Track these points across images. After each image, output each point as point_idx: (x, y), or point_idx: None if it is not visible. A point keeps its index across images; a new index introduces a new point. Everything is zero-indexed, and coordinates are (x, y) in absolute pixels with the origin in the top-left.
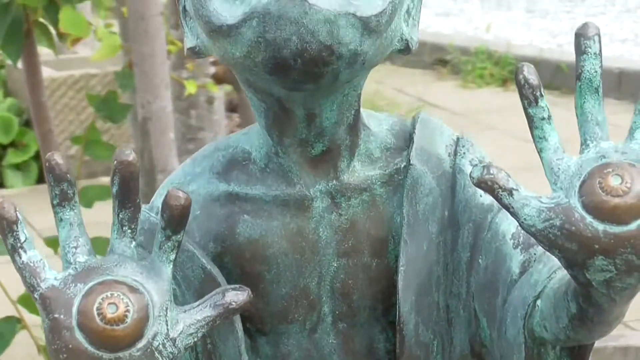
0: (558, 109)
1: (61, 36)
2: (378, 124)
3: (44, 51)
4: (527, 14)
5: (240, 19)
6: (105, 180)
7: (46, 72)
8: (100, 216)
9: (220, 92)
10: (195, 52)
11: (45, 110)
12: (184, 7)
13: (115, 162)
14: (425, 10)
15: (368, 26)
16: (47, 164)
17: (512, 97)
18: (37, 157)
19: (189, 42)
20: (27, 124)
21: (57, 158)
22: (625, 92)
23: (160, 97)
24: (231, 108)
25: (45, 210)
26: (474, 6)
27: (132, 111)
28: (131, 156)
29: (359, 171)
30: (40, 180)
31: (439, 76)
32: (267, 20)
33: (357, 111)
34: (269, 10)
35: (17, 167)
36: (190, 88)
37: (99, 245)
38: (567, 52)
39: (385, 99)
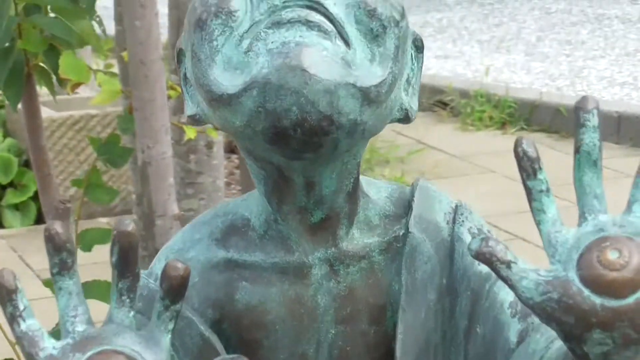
0: (557, 153)
1: (61, 81)
2: (377, 192)
3: (43, 91)
4: (526, 57)
5: (241, 89)
6: (104, 221)
7: (46, 113)
8: (99, 257)
9: (219, 137)
10: (196, 120)
11: (45, 154)
12: (185, 74)
13: (114, 232)
14: (424, 53)
15: (368, 96)
16: (46, 234)
17: (510, 140)
18: (35, 197)
19: (189, 109)
20: (26, 164)
21: (57, 227)
22: (624, 136)
23: (160, 142)
24: (230, 149)
25: (44, 250)
26: (473, 49)
27: (132, 155)
28: (130, 227)
29: (357, 239)
30: (38, 220)
31: (438, 118)
32: (268, 90)
33: (356, 179)
34: (270, 80)
35: (16, 207)
36: (190, 133)
37: (98, 288)
38: (566, 96)
39: (385, 141)
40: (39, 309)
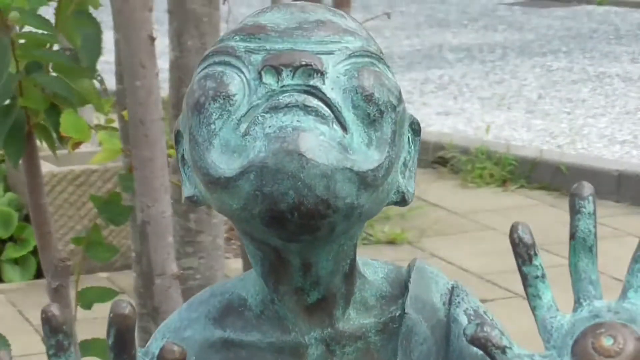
0: (557, 210)
1: (62, 139)
2: (374, 272)
3: (44, 145)
4: (527, 114)
5: (238, 172)
6: (104, 276)
7: (47, 167)
8: (99, 313)
9: None
10: (193, 201)
11: (45, 212)
12: (182, 155)
13: (111, 314)
14: (425, 109)
15: (365, 180)
16: (43, 316)
17: (511, 198)
18: (35, 252)
19: (187, 190)
20: (26, 218)
21: (54, 309)
22: (625, 194)
23: (159, 201)
24: None
25: (43, 305)
26: (474, 106)
27: (131, 213)
28: (127, 309)
29: (354, 319)
30: (38, 275)
31: (438, 175)
32: (265, 174)
33: (353, 260)
34: (267, 164)
35: (16, 261)
36: None
37: (98, 346)
38: (566, 154)
39: None
40: None
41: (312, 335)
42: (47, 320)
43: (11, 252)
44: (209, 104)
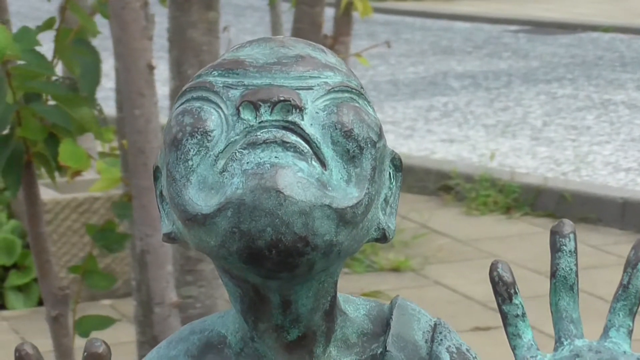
0: None
1: (61, 168)
2: (355, 309)
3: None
4: (531, 141)
5: (215, 209)
6: (107, 303)
7: (49, 195)
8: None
9: None
10: (171, 238)
11: (44, 241)
12: (161, 192)
13: (85, 353)
14: (430, 136)
15: (343, 218)
16: (16, 354)
17: (516, 225)
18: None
19: (165, 227)
20: (29, 246)
21: (27, 349)
22: (629, 222)
23: (158, 230)
24: None
25: (47, 332)
26: (478, 133)
27: (131, 240)
28: (101, 349)
29: (334, 357)
30: (42, 302)
31: (442, 202)
32: (242, 211)
33: (334, 297)
34: (244, 201)
35: (19, 289)
36: None
37: None
38: (571, 181)
39: None
40: None
41: None
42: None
43: (14, 279)
44: (187, 139)
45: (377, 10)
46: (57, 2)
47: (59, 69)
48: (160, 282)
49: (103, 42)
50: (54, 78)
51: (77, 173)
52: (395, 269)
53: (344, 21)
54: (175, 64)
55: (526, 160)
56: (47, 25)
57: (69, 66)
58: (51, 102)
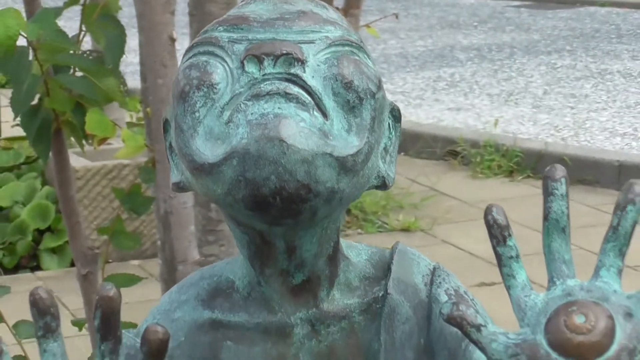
0: None
1: (87, 137)
2: (357, 255)
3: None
4: (533, 109)
5: (222, 158)
6: (136, 263)
7: (81, 162)
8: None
9: None
10: (180, 187)
11: (74, 204)
12: (170, 143)
13: (97, 297)
14: (437, 105)
15: (344, 166)
16: (31, 298)
17: (518, 187)
18: None
19: (174, 177)
20: (60, 209)
21: (41, 293)
22: (625, 183)
23: (181, 193)
24: None
25: (78, 290)
26: (483, 102)
27: (155, 203)
28: (112, 292)
29: (338, 300)
30: (73, 263)
31: (449, 167)
32: (247, 160)
33: (337, 243)
34: (249, 150)
35: (53, 250)
36: None
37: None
38: (570, 146)
39: (400, 188)
40: (73, 346)
41: (298, 315)
42: (35, 303)
43: (48, 242)
44: (193, 92)
45: None
46: None
47: (88, 43)
48: (183, 242)
49: (132, 20)
50: (80, 51)
51: (104, 140)
52: (405, 230)
53: None
54: (195, 36)
55: (528, 126)
56: (73, 1)
57: (96, 39)
58: (78, 74)
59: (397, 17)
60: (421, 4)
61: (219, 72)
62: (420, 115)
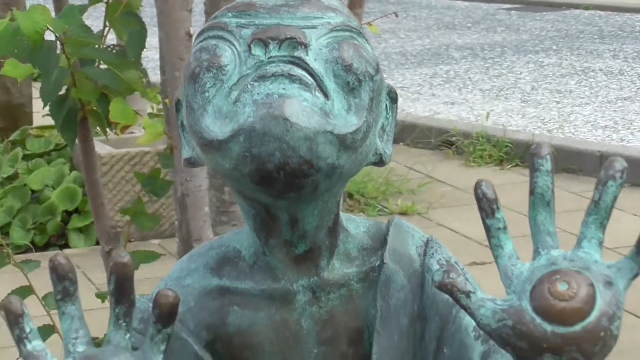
0: None
1: (111, 124)
2: (356, 227)
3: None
4: (521, 103)
5: (229, 135)
6: (156, 242)
7: (106, 150)
8: (146, 274)
9: None
10: (191, 163)
11: (99, 187)
12: (182, 122)
13: (111, 264)
14: (434, 99)
15: (344, 143)
16: (50, 264)
17: (507, 175)
18: None
19: (185, 153)
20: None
21: (60, 259)
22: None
23: (196, 176)
24: None
25: (103, 267)
26: (475, 96)
27: (173, 186)
28: (126, 259)
29: (337, 269)
30: (99, 242)
31: (444, 156)
32: (253, 137)
33: (337, 215)
34: (255, 127)
35: (80, 230)
36: None
37: None
38: (555, 137)
39: (398, 175)
40: (97, 318)
41: (300, 283)
42: (54, 268)
43: (76, 222)
44: (204, 73)
45: None
46: None
47: (112, 39)
48: (198, 222)
49: (153, 20)
50: (104, 46)
51: (126, 128)
52: (403, 213)
53: None
54: None
55: (517, 119)
56: None
57: (119, 34)
58: (103, 67)
59: (396, 15)
60: (419, 6)
61: (227, 55)
62: (417, 108)
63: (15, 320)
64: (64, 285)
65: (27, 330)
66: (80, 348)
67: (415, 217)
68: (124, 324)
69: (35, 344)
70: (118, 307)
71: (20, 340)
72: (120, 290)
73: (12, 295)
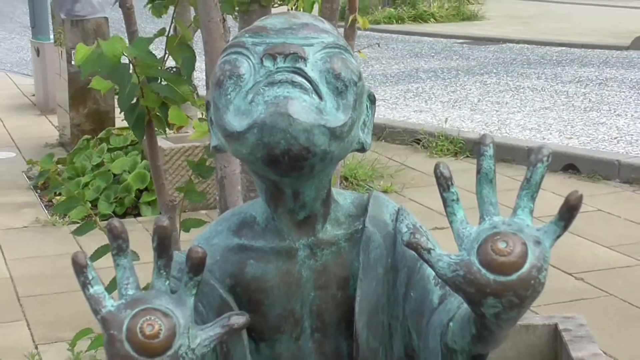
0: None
1: (170, 125)
2: (344, 199)
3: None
4: (471, 112)
5: (246, 128)
6: (204, 212)
7: (167, 144)
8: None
9: None
10: (217, 149)
11: (161, 172)
12: (211, 118)
13: (154, 226)
14: (407, 109)
15: (334, 134)
16: (108, 227)
17: (460, 164)
18: None
19: (213, 142)
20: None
21: (115, 223)
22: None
23: (232, 163)
24: None
25: None
26: (437, 106)
27: (215, 171)
28: (165, 222)
29: (329, 231)
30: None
31: (414, 150)
32: (264, 129)
33: (329, 190)
34: (265, 122)
35: (148, 203)
36: None
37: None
38: (496, 136)
39: (380, 164)
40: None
41: (301, 242)
42: (110, 230)
43: (145, 197)
44: (227, 80)
45: (374, 30)
46: (166, 18)
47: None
48: (233, 197)
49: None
50: (165, 67)
51: (181, 128)
52: (385, 191)
53: (350, 31)
54: None
55: (467, 123)
56: (160, 33)
57: (175, 59)
58: (163, 83)
59: (379, 45)
60: (396, 40)
61: (244, 66)
62: (395, 115)
63: (80, 270)
64: (118, 243)
65: (90, 277)
66: (131, 292)
67: (393, 195)
68: (164, 273)
69: (96, 288)
70: (160, 259)
71: (84, 285)
72: (161, 246)
73: (77, 251)
